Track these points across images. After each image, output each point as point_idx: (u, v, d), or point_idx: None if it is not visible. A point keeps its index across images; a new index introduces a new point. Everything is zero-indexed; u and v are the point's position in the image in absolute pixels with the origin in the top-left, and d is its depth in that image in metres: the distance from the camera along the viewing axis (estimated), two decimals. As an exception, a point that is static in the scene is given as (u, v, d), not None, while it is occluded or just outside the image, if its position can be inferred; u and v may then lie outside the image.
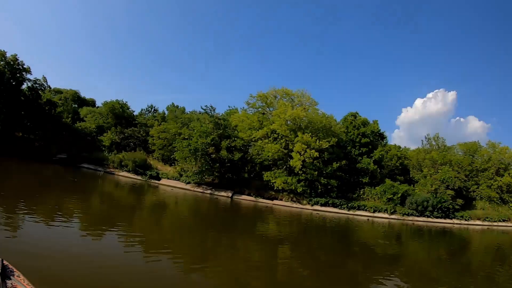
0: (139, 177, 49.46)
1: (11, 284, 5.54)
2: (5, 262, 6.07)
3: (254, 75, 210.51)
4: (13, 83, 49.88)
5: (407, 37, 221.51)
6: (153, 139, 55.93)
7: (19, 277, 5.86)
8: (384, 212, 48.62)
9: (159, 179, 50.23)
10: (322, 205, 47.30)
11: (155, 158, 55.79)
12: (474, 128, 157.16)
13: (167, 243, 17.39)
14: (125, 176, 49.59)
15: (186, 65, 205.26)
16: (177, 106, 67.17)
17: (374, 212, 48.24)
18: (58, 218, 17.85)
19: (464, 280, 19.00)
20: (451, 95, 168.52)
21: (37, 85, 53.37)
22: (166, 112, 65.46)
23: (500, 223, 53.40)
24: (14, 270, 6.01)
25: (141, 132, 58.05)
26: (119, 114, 60.75)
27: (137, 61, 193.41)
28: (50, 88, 60.53)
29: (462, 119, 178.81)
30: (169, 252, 15.26)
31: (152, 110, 65.35)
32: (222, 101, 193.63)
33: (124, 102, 62.04)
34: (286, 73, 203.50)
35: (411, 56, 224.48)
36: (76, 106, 69.43)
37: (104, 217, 21.07)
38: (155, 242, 17.19)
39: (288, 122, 48.41)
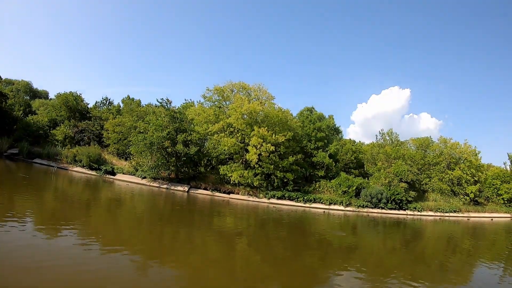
0: (93, 173, 47.75)
1: None
2: None
3: (212, 69, 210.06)
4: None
5: (365, 35, 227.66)
6: (108, 133, 54.17)
7: None
8: (340, 204, 49.51)
9: (114, 174, 48.71)
10: (278, 198, 47.54)
11: (110, 152, 54.02)
12: (427, 124, 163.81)
13: (124, 239, 16.94)
14: (79, 171, 47.71)
15: (143, 56, 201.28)
16: (133, 99, 65.28)
17: (330, 204, 49.00)
18: (8, 217, 16.76)
19: (419, 268, 19.53)
20: (405, 92, 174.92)
21: (-16, 75, 50.52)
22: (122, 105, 63.54)
23: (451, 214, 55.67)
24: None
25: (96, 126, 56.10)
26: (73, 107, 58.35)
27: (91, 51, 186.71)
28: (1, 78, 57.72)
29: (415, 116, 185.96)
30: (126, 248, 14.83)
31: (107, 103, 63.20)
32: (178, 94, 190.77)
33: (78, 94, 59.64)
34: (244, 67, 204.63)
35: (367, 54, 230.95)
36: (28, 98, 66.29)
37: (58, 215, 20.14)
38: (111, 238, 16.74)
39: (245, 116, 48.07)
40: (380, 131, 65.32)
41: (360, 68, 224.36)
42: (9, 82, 68.00)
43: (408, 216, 50.12)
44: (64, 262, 12.07)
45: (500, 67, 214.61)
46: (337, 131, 59.90)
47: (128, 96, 65.66)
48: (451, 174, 59.67)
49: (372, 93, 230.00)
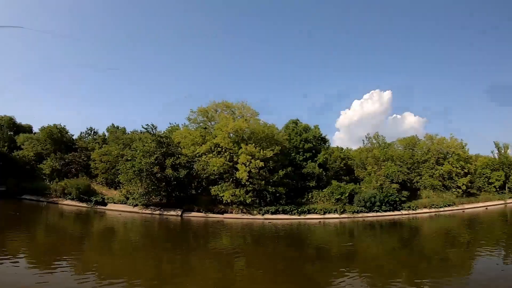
0: (84, 204, 47.23)
1: None
2: None
3: (195, 89, 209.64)
4: None
5: (340, 41, 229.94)
6: (95, 163, 53.67)
7: None
8: (334, 212, 49.66)
9: (105, 204, 48.29)
10: (272, 213, 47.46)
11: (99, 183, 53.56)
12: (411, 123, 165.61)
13: (122, 270, 16.77)
14: (69, 204, 47.27)
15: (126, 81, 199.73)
16: (118, 127, 64.99)
17: (324, 213, 49.11)
18: (2, 256, 16.70)
19: (420, 266, 19.66)
20: (386, 94, 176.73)
21: (-34, 113, 49.81)
22: (107, 134, 63.11)
23: (446, 208, 56.26)
24: None
25: (82, 157, 55.57)
26: (58, 139, 57.83)
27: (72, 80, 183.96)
28: (-17, 115, 57.01)
29: (398, 116, 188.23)
30: (124, 280, 14.66)
31: (92, 133, 62.75)
32: (162, 119, 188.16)
33: (63, 126, 59.19)
34: (224, 86, 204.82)
35: (346, 59, 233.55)
36: (12, 133, 65.35)
37: (52, 251, 19.99)
38: (109, 270, 16.56)
39: (231, 134, 48.11)
40: (367, 135, 65.83)
41: (340, 75, 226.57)
42: (-10, 119, 67.03)
43: (404, 216, 50.58)
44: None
45: (478, 57, 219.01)
46: (324, 140, 60.03)
47: (113, 124, 65.51)
48: (441, 169, 60.23)
49: (354, 98, 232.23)
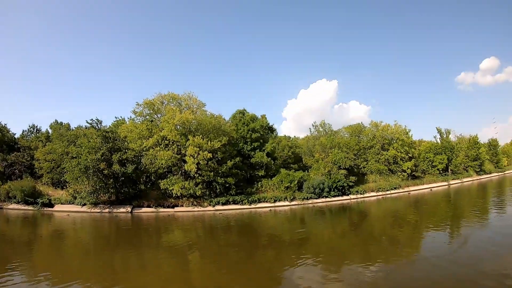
0: (30, 207, 45.50)
1: None
2: None
3: (139, 83, 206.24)
4: None
5: (286, 31, 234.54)
6: (40, 163, 51.70)
7: None
8: (285, 200, 50.74)
9: (52, 206, 46.64)
10: (223, 204, 47.85)
11: (44, 183, 51.55)
12: (356, 111, 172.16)
13: (74, 273, 16.26)
14: (14, 208, 45.52)
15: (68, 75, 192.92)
16: (61, 123, 62.69)
17: (275, 202, 50.09)
18: None
19: (371, 247, 20.35)
20: (333, 83, 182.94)
21: None
22: (50, 131, 60.82)
23: (392, 191, 59.09)
24: None
25: (26, 157, 53.38)
26: (-1, 139, 55.28)
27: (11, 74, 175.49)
28: None
29: (344, 105, 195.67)
30: (78, 283, 14.26)
31: (35, 131, 60.27)
32: (109, 112, 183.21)
33: (3, 125, 56.53)
34: (170, 77, 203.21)
35: (291, 51, 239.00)
36: None
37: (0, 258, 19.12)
38: (62, 274, 15.94)
39: (178, 126, 47.78)
40: (313, 124, 67.49)
41: (286, 65, 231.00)
42: None
43: (352, 200, 52.54)
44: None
45: (420, 48, 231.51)
46: (271, 129, 60.94)
47: (56, 120, 63.02)
48: (386, 154, 62.99)
49: (301, 88, 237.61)
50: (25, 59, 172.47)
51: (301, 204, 50.09)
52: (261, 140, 54.89)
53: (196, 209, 46.79)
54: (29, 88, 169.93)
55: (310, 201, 51.09)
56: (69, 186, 47.73)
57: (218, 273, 16.34)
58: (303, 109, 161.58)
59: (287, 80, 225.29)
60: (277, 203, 49.91)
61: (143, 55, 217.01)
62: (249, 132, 54.41)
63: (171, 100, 50.93)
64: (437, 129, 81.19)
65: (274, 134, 61.04)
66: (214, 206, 47.33)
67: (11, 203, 46.59)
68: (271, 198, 50.27)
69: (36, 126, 60.74)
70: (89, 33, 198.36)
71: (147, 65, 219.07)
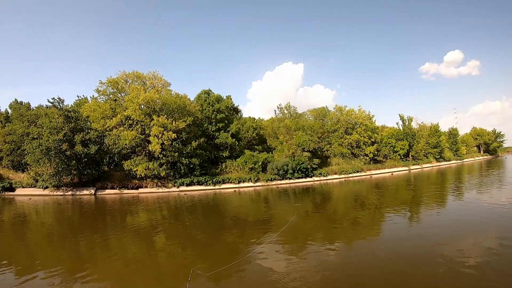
0: (-11, 192, 43.99)
1: None
2: None
3: (103, 61, 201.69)
4: None
5: (252, 16, 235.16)
6: (-1, 144, 50.32)
7: None
8: (249, 181, 51.64)
9: (13, 190, 45.64)
10: (187, 185, 48.26)
11: (4, 166, 50.14)
12: (321, 95, 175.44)
13: (38, 261, 15.65)
14: (-27, 193, 43.97)
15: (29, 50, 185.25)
16: (21, 103, 60.61)
17: (239, 183, 50.91)
18: None
19: (333, 229, 20.77)
20: (299, 67, 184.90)
21: None
22: (10, 111, 58.87)
23: (355, 174, 61.10)
24: None
25: (-16, 138, 51.70)
26: (-47, 120, 53.14)
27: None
28: None
29: (309, 88, 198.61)
30: (43, 268, 13.89)
31: (-6, 110, 58.25)
32: (69, 91, 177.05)
33: (-41, 105, 54.37)
34: (135, 56, 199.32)
35: (257, 32, 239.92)
36: None
37: None
38: (24, 261, 15.58)
39: (142, 106, 47.31)
40: (278, 106, 68.63)
41: (251, 46, 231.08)
42: None
43: (316, 182, 53.79)
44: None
45: (387, 35, 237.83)
46: (236, 110, 61.45)
47: (16, 100, 60.71)
48: (350, 138, 64.94)
49: (266, 70, 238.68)
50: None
51: (265, 185, 51.03)
52: (226, 121, 55.33)
53: (160, 190, 47.05)
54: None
55: (274, 183, 52.15)
56: (31, 168, 46.60)
57: (183, 254, 16.41)
58: (268, 91, 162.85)
59: (252, 61, 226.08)
60: (241, 184, 50.75)
61: (107, 32, 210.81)
62: (214, 112, 54.68)
63: (135, 79, 50.21)
64: (400, 116, 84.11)
65: (239, 115, 61.56)
66: (178, 187, 47.68)
67: (-31, 188, 45.13)
68: (236, 179, 50.97)
69: (-6, 106, 58.58)
70: (53, 8, 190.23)
71: (111, 43, 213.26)
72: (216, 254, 15.94)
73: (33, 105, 60.18)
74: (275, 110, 68.12)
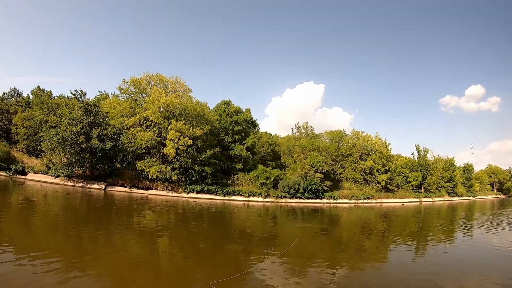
0: (2, 173, 44.32)
1: None
2: None
3: (128, 60, 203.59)
4: None
5: (280, 32, 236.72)
6: (17, 128, 50.71)
7: None
8: (259, 196, 51.18)
9: (25, 173, 45.64)
10: (197, 192, 47.97)
11: (19, 149, 50.54)
12: (339, 117, 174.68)
13: (41, 243, 15.86)
14: (-15, 173, 44.33)
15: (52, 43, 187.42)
16: (43, 90, 61.17)
17: (249, 196, 50.47)
18: None
19: (338, 252, 20.52)
20: (320, 87, 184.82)
21: None
22: (31, 97, 59.61)
23: (365, 201, 60.20)
24: None
25: (3, 120, 52.35)
26: (-25, 99, 54.03)
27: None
28: None
29: (328, 109, 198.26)
30: (44, 255, 13.82)
31: (16, 94, 59.01)
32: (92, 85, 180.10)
33: (-17, 86, 55.34)
34: (161, 60, 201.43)
35: (283, 50, 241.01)
36: None
37: None
38: (26, 245, 15.47)
39: (162, 109, 47.50)
40: (296, 124, 68.45)
41: (275, 63, 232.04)
42: None
43: (325, 204, 53.23)
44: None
45: (410, 64, 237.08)
46: (254, 124, 61.29)
47: (39, 87, 61.33)
48: (364, 164, 64.19)
49: (287, 87, 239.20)
50: (11, 21, 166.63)
51: (274, 202, 50.50)
52: (243, 134, 55.20)
53: (170, 194, 46.79)
54: (11, 50, 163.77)
55: (283, 200, 51.65)
56: (45, 155, 46.86)
57: (184, 260, 16.18)
58: (286, 108, 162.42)
59: (274, 77, 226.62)
60: (251, 198, 50.31)
61: (134, 36, 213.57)
62: (232, 124, 54.61)
63: (158, 81, 50.51)
64: (416, 147, 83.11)
65: (256, 129, 61.34)
66: (188, 193, 47.42)
67: (-18, 167, 45.48)
68: (246, 192, 50.59)
69: (18, 90, 59.47)
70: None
71: (137, 45, 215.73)
72: (218, 264, 15.71)
73: (55, 94, 61.01)
74: (292, 128, 68.24)
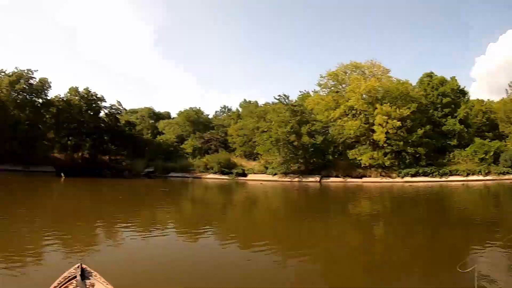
0: (226, 177, 51.74)
1: (90, 283, 6.35)
2: (84, 266, 6.81)
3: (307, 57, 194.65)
4: (91, 114, 55.44)
5: None
6: (233, 138, 58.89)
7: (97, 276, 6.59)
8: (478, 174, 46.11)
9: (245, 175, 52.28)
10: (412, 175, 46.36)
11: (237, 156, 58.35)
12: None
13: (262, 235, 17.02)
14: (212, 178, 52.44)
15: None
16: (250, 101, 69.92)
17: (467, 175, 46.10)
18: (153, 228, 17.77)
19: None
20: None
21: (113, 110, 58.85)
22: (240, 110, 68.22)
23: None
24: (92, 271, 6.76)
25: (220, 133, 61.25)
26: (195, 121, 64.83)
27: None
28: (126, 110, 65.53)
29: None
30: (265, 244, 14.48)
31: (226, 110, 68.43)
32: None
33: (198, 108, 66.01)
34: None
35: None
36: (153, 121, 74.24)
37: (198, 220, 21.16)
38: (249, 236, 16.93)
39: (364, 95, 48.30)
40: (510, 84, 56.25)
41: (465, 14, 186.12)
42: (133, 112, 76.91)
43: None
44: (206, 261, 12.12)
45: None
46: (463, 93, 55.17)
47: (245, 99, 71.06)
48: None
49: (489, 41, 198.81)
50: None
51: (496, 180, 44.63)
52: (453, 106, 51.09)
53: (384, 180, 46.55)
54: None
55: (507, 177, 45.30)
56: (261, 157, 52.95)
57: (400, 249, 14.86)
58: (495, 67, 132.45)
59: (470, 34, 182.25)
60: (470, 177, 45.83)
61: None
62: (439, 97, 51.29)
63: (354, 69, 51.76)
64: None
65: (466, 98, 54.99)
66: (403, 177, 46.32)
67: (209, 174, 53.81)
68: (463, 171, 46.41)
69: (227, 107, 69.28)
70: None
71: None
72: (433, 254, 13.27)
73: (260, 103, 68.50)
74: (506, 89, 57.52)
